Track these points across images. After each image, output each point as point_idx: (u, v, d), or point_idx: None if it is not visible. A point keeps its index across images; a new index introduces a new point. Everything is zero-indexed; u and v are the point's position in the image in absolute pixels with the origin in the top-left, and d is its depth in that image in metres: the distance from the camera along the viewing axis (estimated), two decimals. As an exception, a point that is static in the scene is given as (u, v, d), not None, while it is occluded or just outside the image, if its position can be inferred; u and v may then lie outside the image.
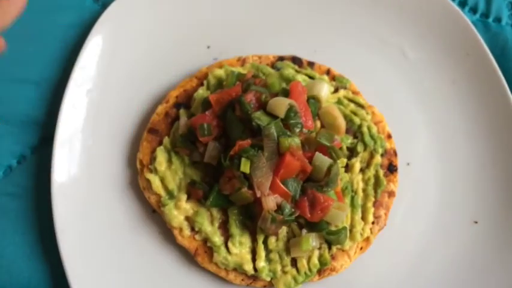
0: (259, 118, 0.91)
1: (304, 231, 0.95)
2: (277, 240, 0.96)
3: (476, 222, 1.03)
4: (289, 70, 1.06)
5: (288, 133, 0.91)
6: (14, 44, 1.11)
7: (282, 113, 0.92)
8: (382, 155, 1.03)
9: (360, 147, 1.03)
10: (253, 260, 0.95)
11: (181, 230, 0.97)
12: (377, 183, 1.01)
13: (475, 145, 1.07)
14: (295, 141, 0.90)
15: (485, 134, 1.07)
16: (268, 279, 0.95)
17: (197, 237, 0.97)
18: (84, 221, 0.98)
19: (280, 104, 0.92)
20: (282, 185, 0.90)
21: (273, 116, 0.92)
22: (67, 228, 0.97)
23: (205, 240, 0.97)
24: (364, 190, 1.01)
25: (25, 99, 1.08)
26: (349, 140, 1.03)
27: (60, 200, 0.98)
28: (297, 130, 0.92)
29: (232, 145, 0.91)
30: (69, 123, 1.02)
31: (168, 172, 0.99)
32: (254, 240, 0.96)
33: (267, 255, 0.96)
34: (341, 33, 1.14)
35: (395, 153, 1.05)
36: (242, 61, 1.08)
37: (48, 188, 0.98)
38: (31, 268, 0.99)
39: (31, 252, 1.00)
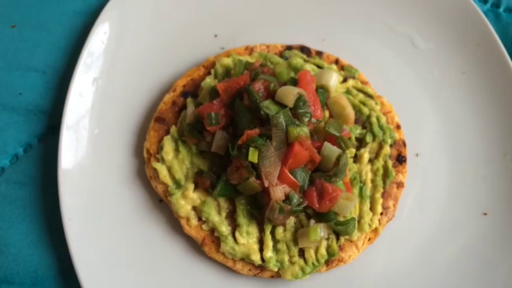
0: (268, 107, 0.90)
1: (312, 221, 0.94)
2: (284, 230, 0.95)
3: (485, 214, 1.02)
4: (298, 59, 1.04)
5: (297, 122, 0.90)
6: (20, 31, 1.11)
7: (290, 102, 0.91)
8: (391, 146, 1.02)
9: (368, 138, 1.02)
10: (261, 250, 0.95)
11: (188, 219, 0.97)
12: (386, 174, 1.00)
13: (484, 136, 1.06)
14: (304, 130, 0.90)
15: (495, 124, 1.06)
16: (276, 269, 0.95)
17: (204, 227, 0.97)
18: (91, 209, 0.98)
19: (289, 93, 0.91)
20: (290, 175, 0.89)
21: (282, 105, 0.91)
22: (74, 217, 0.96)
23: (213, 230, 0.97)
24: (372, 181, 1.00)
25: (31, 87, 1.08)
26: (358, 130, 1.02)
27: (67, 189, 0.97)
28: (306, 119, 0.91)
29: (240, 134, 0.90)
30: (75, 111, 1.02)
31: (175, 161, 0.98)
32: (261, 231, 0.96)
33: (274, 246, 0.95)
34: (350, 23, 1.13)
35: (404, 144, 1.04)
36: (250, 50, 1.07)
37: (54, 177, 0.98)
38: (38, 256, 0.99)
39: (38, 241, 1.00)
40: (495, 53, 1.08)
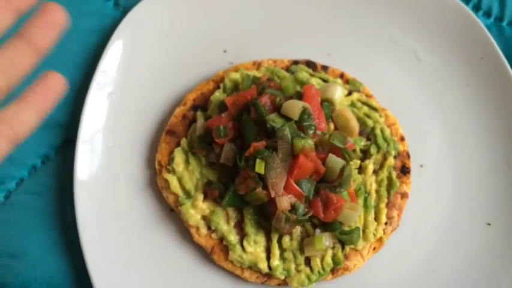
0: (274, 120, 0.93)
1: (317, 230, 0.97)
2: (291, 239, 0.98)
3: (489, 224, 1.03)
4: (303, 74, 1.08)
5: (302, 135, 0.93)
6: (39, 49, 1.16)
7: (295, 115, 0.93)
8: (395, 157, 1.05)
9: (373, 149, 1.04)
10: (268, 258, 0.97)
11: (198, 228, 1.00)
12: (390, 185, 1.03)
13: (487, 148, 1.08)
14: (309, 142, 0.92)
15: (498, 136, 1.08)
16: (283, 277, 0.97)
17: (213, 235, 1.00)
18: (105, 218, 1.02)
19: (294, 107, 0.94)
20: (295, 186, 0.92)
21: (287, 118, 0.94)
22: (89, 225, 1.00)
23: (221, 238, 0.99)
24: (377, 191, 1.03)
25: (49, 102, 1.12)
26: (362, 142, 1.05)
27: (83, 198, 1.01)
28: (311, 132, 0.94)
29: (248, 146, 0.93)
30: (91, 125, 1.06)
31: (185, 172, 1.02)
32: (269, 239, 0.98)
33: (281, 254, 0.98)
34: (355, 38, 1.16)
35: (408, 156, 1.06)
36: (257, 65, 1.11)
37: (70, 187, 1.02)
38: (54, 264, 1.03)
39: (54, 249, 1.03)
40: (498, 66, 1.10)
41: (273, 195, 0.92)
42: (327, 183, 0.95)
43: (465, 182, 1.06)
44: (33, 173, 1.09)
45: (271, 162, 0.91)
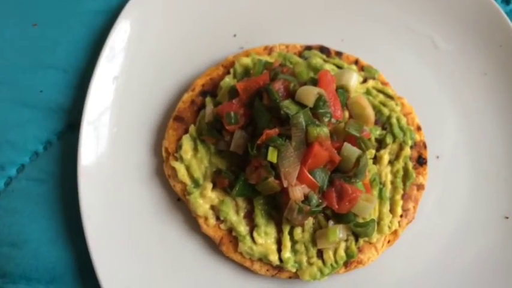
0: (288, 107, 0.90)
1: (331, 222, 0.94)
2: (303, 231, 0.95)
3: (507, 218, 1.00)
4: (317, 59, 1.04)
5: (317, 122, 0.90)
6: (42, 30, 1.13)
7: (310, 102, 0.90)
8: (411, 147, 1.01)
9: (388, 139, 1.01)
10: (279, 250, 0.95)
11: (206, 218, 0.97)
12: (406, 176, 0.99)
13: (506, 139, 1.05)
14: (324, 130, 0.89)
15: (518, 127, 1.05)
16: (294, 270, 0.94)
17: (222, 226, 0.97)
18: (110, 207, 0.99)
19: (309, 93, 0.91)
20: (309, 175, 0.89)
21: (302, 105, 0.91)
22: (92, 214, 0.97)
23: (231, 229, 0.96)
24: (392, 182, 0.99)
25: (52, 85, 1.09)
26: (377, 131, 1.01)
27: (86, 186, 0.98)
28: (326, 120, 0.91)
29: (259, 134, 0.90)
30: (95, 109, 1.02)
31: (193, 160, 0.98)
32: (280, 231, 0.95)
33: (292, 246, 0.95)
34: (369, 23, 1.12)
35: (424, 146, 1.03)
36: (269, 50, 1.07)
37: (74, 174, 0.99)
38: (57, 252, 1.00)
39: (57, 237, 1.01)
40: (517, 54, 1.07)
41: (285, 185, 0.89)
42: (342, 173, 0.92)
43: (482, 174, 1.03)
44: (35, 159, 1.06)
45: (284, 150, 0.88)
